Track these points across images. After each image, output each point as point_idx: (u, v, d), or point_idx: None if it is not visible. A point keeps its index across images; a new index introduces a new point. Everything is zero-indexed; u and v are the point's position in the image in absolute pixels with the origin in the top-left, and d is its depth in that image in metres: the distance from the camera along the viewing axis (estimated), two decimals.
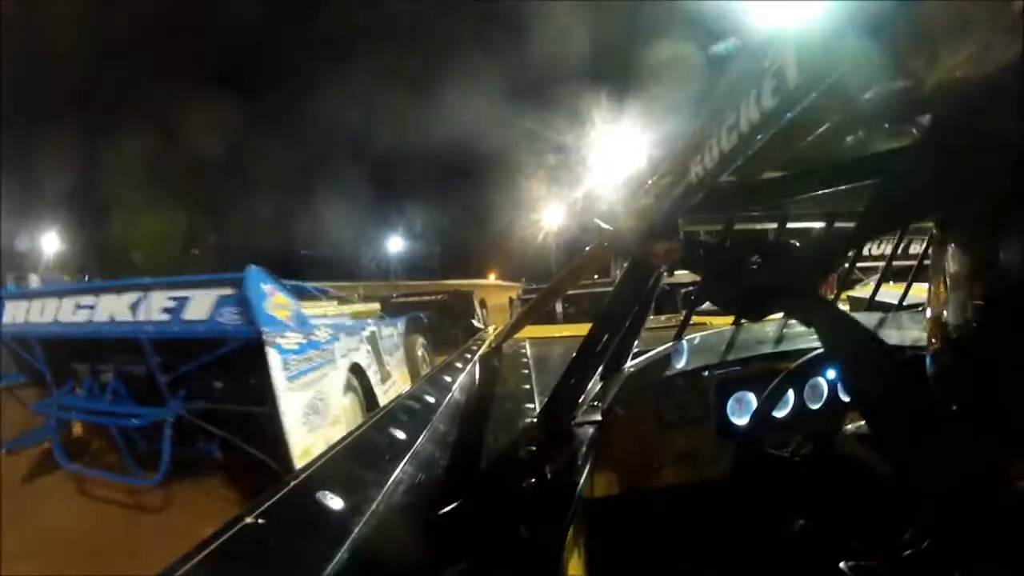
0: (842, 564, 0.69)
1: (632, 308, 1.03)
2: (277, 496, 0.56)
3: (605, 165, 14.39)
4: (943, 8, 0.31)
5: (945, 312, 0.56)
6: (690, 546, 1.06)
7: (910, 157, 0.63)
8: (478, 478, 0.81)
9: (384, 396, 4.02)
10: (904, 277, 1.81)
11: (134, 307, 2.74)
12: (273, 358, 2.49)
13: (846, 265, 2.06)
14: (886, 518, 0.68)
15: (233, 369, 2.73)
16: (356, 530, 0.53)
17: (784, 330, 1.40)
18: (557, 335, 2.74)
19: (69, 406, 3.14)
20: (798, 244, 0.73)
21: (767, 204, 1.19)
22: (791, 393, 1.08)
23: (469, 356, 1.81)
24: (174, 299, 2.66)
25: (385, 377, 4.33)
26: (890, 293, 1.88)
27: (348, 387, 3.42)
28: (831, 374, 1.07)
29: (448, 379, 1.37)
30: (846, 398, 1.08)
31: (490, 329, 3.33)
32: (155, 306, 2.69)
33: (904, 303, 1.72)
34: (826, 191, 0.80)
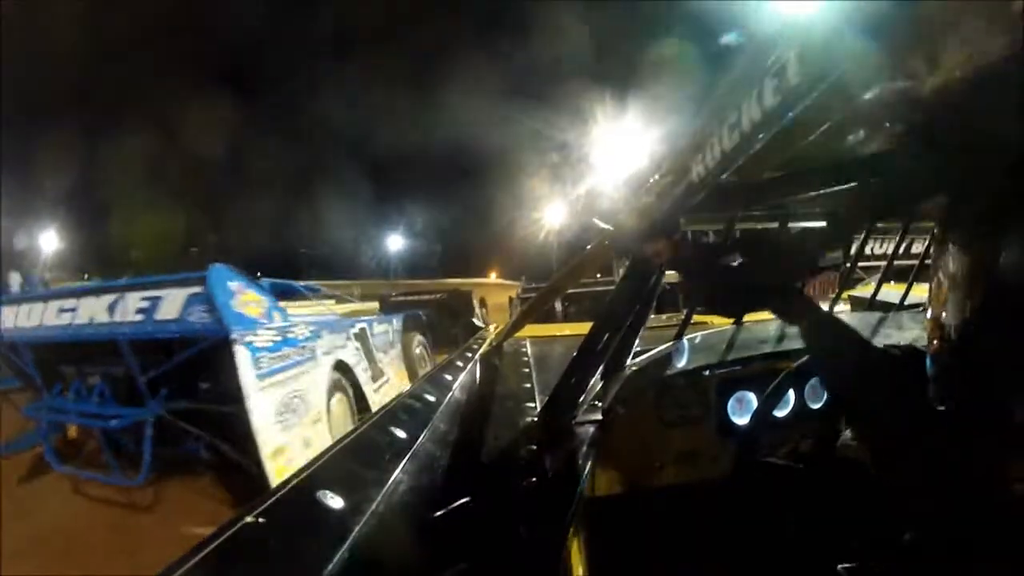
0: (841, 564, 0.69)
1: (633, 307, 1.03)
2: (277, 495, 0.56)
3: (608, 163, 14.36)
4: (942, 8, 0.31)
5: (945, 312, 0.56)
6: (691, 545, 1.06)
7: (909, 157, 0.63)
8: (479, 477, 0.81)
9: (376, 394, 4.00)
10: (908, 276, 1.81)
11: (111, 309, 2.75)
12: (241, 356, 2.47)
13: (847, 264, 2.06)
14: (886, 518, 0.68)
15: (208, 368, 2.73)
16: (356, 530, 0.53)
17: (785, 329, 1.40)
18: (558, 334, 2.74)
19: (58, 409, 3.15)
20: (781, 242, 0.73)
21: (768, 203, 1.19)
22: (792, 393, 1.08)
23: (470, 355, 1.81)
24: (147, 299, 2.67)
25: (377, 375, 4.29)
26: (891, 292, 1.88)
27: (334, 385, 3.40)
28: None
29: (448, 378, 1.37)
30: (831, 397, 1.08)
31: (491, 328, 3.33)
32: (130, 307, 2.70)
33: (905, 303, 1.72)
34: (826, 191, 0.80)
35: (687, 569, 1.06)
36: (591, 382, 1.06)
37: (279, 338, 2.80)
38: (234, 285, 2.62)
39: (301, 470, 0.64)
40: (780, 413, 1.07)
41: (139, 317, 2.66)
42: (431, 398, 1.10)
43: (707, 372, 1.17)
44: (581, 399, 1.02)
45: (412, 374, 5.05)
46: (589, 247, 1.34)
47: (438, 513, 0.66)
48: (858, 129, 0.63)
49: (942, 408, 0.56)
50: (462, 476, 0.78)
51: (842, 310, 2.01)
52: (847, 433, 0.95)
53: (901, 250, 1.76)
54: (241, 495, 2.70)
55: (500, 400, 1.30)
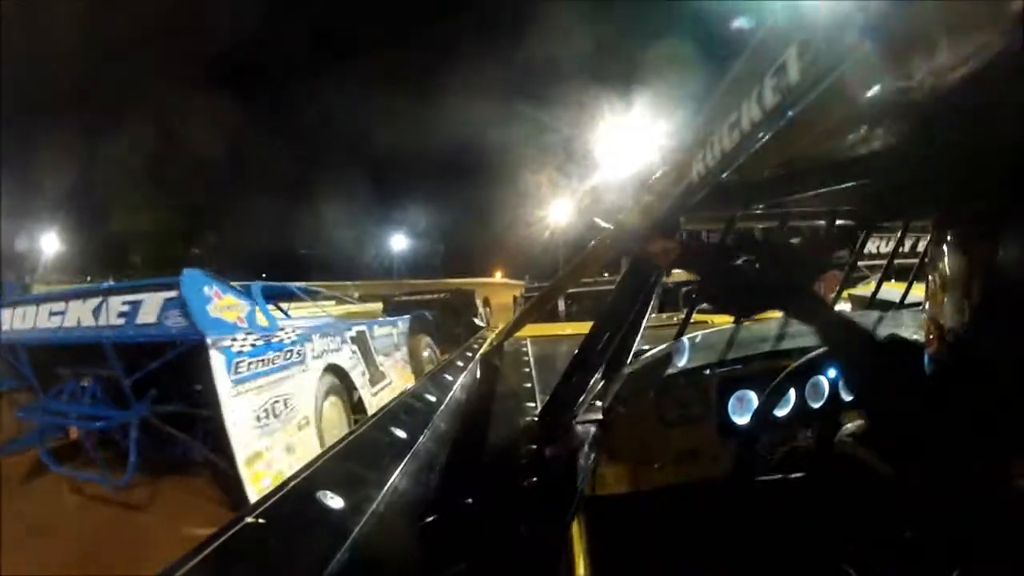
0: (842, 564, 0.69)
1: (633, 307, 1.03)
2: (278, 495, 0.56)
3: (613, 161, 14.36)
4: (942, 8, 0.31)
5: (943, 312, 0.56)
6: (691, 545, 1.06)
7: (909, 157, 0.63)
8: (479, 477, 0.81)
9: (375, 398, 3.97)
10: (910, 275, 1.81)
11: (96, 312, 2.77)
12: (216, 361, 2.47)
13: (848, 263, 2.05)
14: (886, 518, 0.68)
15: (189, 372, 2.74)
16: (356, 529, 0.53)
17: (785, 328, 1.40)
18: (558, 334, 2.74)
19: (52, 410, 3.17)
20: (794, 242, 0.73)
21: (768, 202, 1.19)
22: (792, 392, 1.08)
23: (470, 355, 1.82)
24: (128, 303, 2.68)
25: (377, 378, 4.25)
26: (892, 291, 1.88)
27: (327, 389, 3.39)
28: (832, 373, 1.07)
29: (449, 378, 1.37)
30: (847, 397, 1.08)
31: (495, 327, 3.33)
32: (113, 311, 2.71)
33: (905, 302, 1.72)
34: (826, 190, 0.80)
35: (687, 569, 1.06)
36: (591, 382, 1.05)
37: (261, 342, 2.80)
38: (209, 290, 2.62)
39: (301, 470, 0.64)
40: (781, 412, 1.07)
41: (120, 321, 2.68)
42: (431, 398, 1.10)
43: (707, 371, 1.17)
44: (582, 398, 1.02)
45: (419, 377, 4.99)
46: (589, 246, 1.34)
47: (438, 513, 0.66)
48: (858, 129, 0.62)
49: (943, 407, 0.56)
50: (462, 476, 0.78)
51: (842, 309, 2.01)
52: (845, 428, 0.95)
53: (902, 249, 1.76)
54: (226, 497, 2.71)
55: (500, 400, 1.30)
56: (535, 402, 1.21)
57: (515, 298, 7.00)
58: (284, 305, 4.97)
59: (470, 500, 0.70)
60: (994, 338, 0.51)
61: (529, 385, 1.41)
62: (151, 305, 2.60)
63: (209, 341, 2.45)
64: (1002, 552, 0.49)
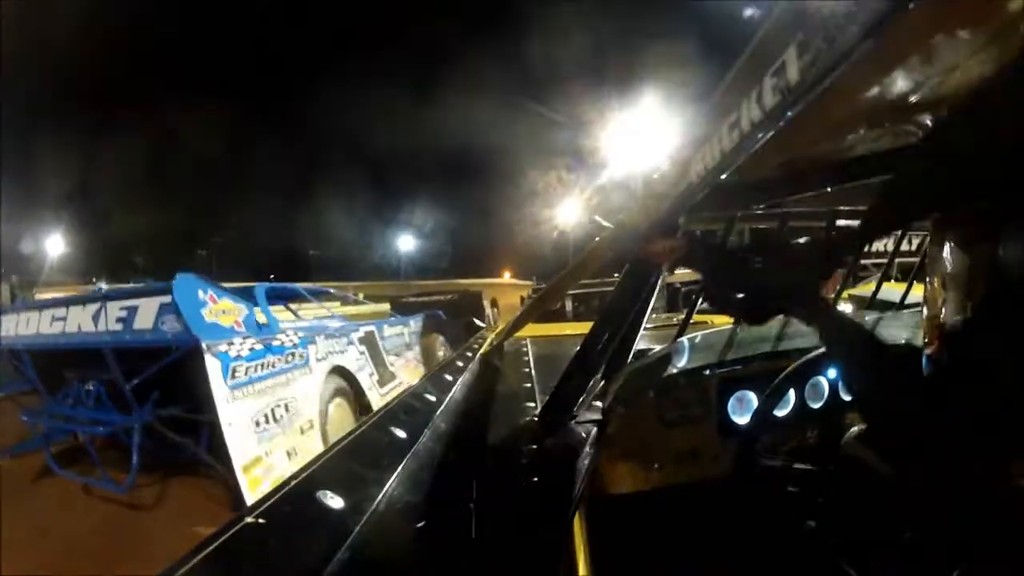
0: (842, 564, 0.69)
1: (633, 307, 1.03)
2: (278, 495, 0.56)
3: (622, 159, 14.35)
4: (943, 8, 0.31)
5: (942, 313, 0.56)
6: (691, 545, 1.06)
7: (910, 157, 0.63)
8: (479, 477, 0.81)
9: (384, 400, 3.93)
10: (910, 275, 1.81)
11: (95, 317, 2.77)
12: (212, 366, 2.45)
13: (848, 264, 2.05)
14: (886, 518, 0.68)
15: (187, 377, 2.73)
16: (356, 529, 0.53)
17: (785, 328, 1.40)
18: (558, 334, 2.74)
19: (56, 414, 3.17)
20: (800, 243, 0.73)
21: (769, 202, 1.19)
22: (792, 392, 1.08)
23: (471, 355, 1.82)
24: (126, 309, 2.68)
25: (386, 379, 4.23)
26: (892, 292, 1.88)
27: (332, 391, 3.38)
28: (832, 373, 1.07)
29: (449, 378, 1.37)
30: (847, 397, 1.08)
31: (496, 327, 3.33)
32: (112, 316, 2.71)
33: (905, 302, 1.72)
34: (827, 190, 0.80)
35: (687, 569, 1.06)
36: (591, 382, 1.05)
37: (260, 346, 2.78)
38: (204, 294, 2.61)
39: (301, 470, 0.64)
40: (780, 412, 1.07)
41: (119, 326, 2.68)
42: (431, 398, 1.10)
43: (707, 371, 1.17)
44: (581, 399, 1.02)
45: None
46: (590, 247, 1.34)
47: (438, 513, 0.66)
48: (858, 129, 0.62)
49: (943, 407, 0.56)
50: (462, 476, 0.78)
51: (842, 310, 2.01)
52: (845, 428, 0.95)
53: (903, 248, 1.76)
54: (227, 501, 2.71)
55: (500, 400, 1.30)
56: (535, 402, 1.21)
57: (522, 299, 6.99)
58: (293, 307, 4.97)
59: (470, 500, 0.70)
60: (994, 338, 0.51)
61: (529, 385, 1.41)
62: (147, 310, 2.60)
63: (204, 346, 2.44)
64: (1002, 552, 0.48)
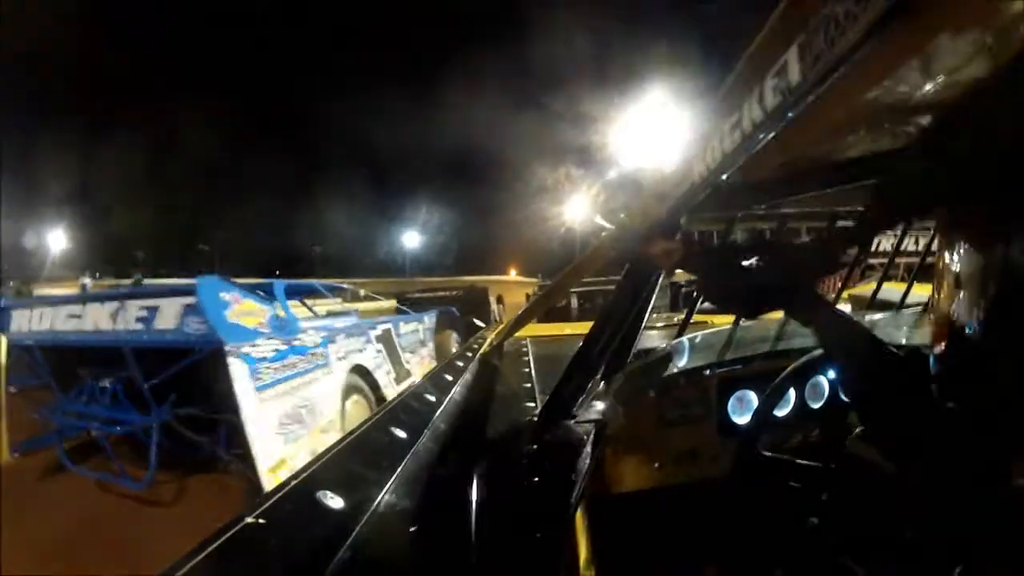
0: (842, 563, 0.69)
1: (633, 307, 1.03)
2: (278, 495, 0.56)
3: (629, 156, 14.33)
4: (943, 10, 0.31)
5: (949, 311, 0.56)
6: (691, 544, 1.06)
7: (911, 157, 0.63)
8: (479, 477, 0.81)
9: None
10: (918, 274, 1.81)
11: (114, 316, 2.77)
12: (237, 369, 2.44)
13: (851, 263, 2.05)
14: (886, 518, 0.68)
15: (209, 377, 2.71)
16: (357, 529, 0.53)
17: (785, 328, 1.40)
18: (559, 333, 2.74)
19: (70, 412, 3.16)
20: (797, 243, 0.72)
21: (769, 203, 1.19)
22: (792, 392, 1.08)
23: (470, 355, 1.82)
24: (147, 308, 2.67)
25: (402, 377, 4.22)
26: (892, 292, 1.88)
27: (351, 390, 3.36)
28: (832, 373, 1.07)
29: (449, 378, 1.37)
30: (847, 397, 1.08)
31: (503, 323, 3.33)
32: (131, 315, 2.70)
33: (906, 302, 1.72)
34: (827, 191, 0.80)
35: (688, 568, 1.06)
36: (591, 382, 1.05)
37: (283, 347, 2.76)
38: (228, 295, 2.59)
39: (301, 470, 0.64)
40: (781, 412, 1.07)
41: (139, 326, 2.67)
42: (432, 398, 1.10)
43: (708, 371, 1.17)
44: (581, 399, 1.02)
45: None
46: (591, 247, 1.34)
47: (438, 513, 0.66)
48: (858, 130, 0.62)
49: (947, 407, 0.56)
50: (462, 476, 0.78)
51: (842, 310, 2.00)
52: (845, 428, 0.95)
53: (903, 248, 1.76)
54: (248, 501, 2.70)
55: (501, 400, 1.30)
56: (535, 402, 1.21)
57: (528, 296, 7.00)
58: (308, 302, 4.95)
59: (470, 500, 0.70)
60: (999, 338, 0.51)
61: (529, 385, 1.41)
62: (169, 311, 2.59)
63: (228, 348, 2.43)
64: (1002, 552, 0.48)
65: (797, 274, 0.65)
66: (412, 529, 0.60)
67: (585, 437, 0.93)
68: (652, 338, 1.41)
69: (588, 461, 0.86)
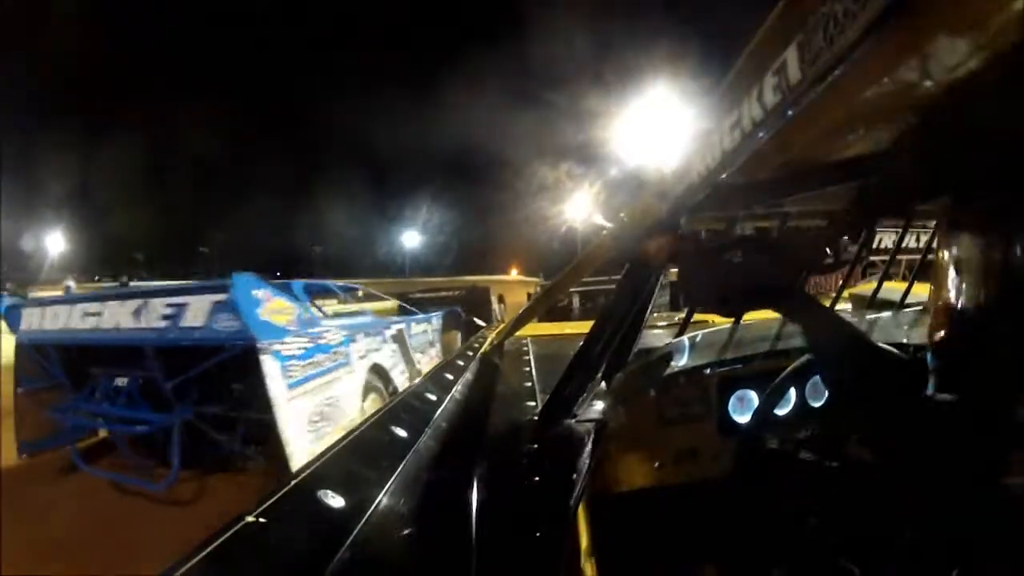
0: (842, 563, 0.69)
1: (633, 306, 1.03)
2: (279, 495, 0.56)
3: (631, 154, 14.33)
4: (943, 8, 0.31)
5: (948, 309, 0.56)
6: (692, 544, 1.06)
7: (910, 156, 0.63)
8: (479, 476, 0.81)
9: None
10: (919, 273, 1.80)
11: (136, 314, 2.75)
12: (269, 366, 2.44)
13: (852, 262, 2.05)
14: (886, 518, 0.68)
15: (236, 375, 2.72)
16: (357, 528, 0.53)
17: (785, 328, 1.40)
18: (559, 332, 2.74)
19: (84, 412, 3.14)
20: (780, 240, 0.72)
21: (768, 202, 1.19)
22: (793, 391, 1.08)
23: (470, 354, 1.82)
24: (172, 306, 2.65)
25: (414, 376, 4.27)
26: (893, 291, 1.88)
27: (369, 389, 3.38)
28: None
29: (449, 377, 1.37)
30: (831, 394, 1.08)
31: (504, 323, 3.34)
32: (155, 313, 2.68)
33: (906, 301, 1.71)
34: (826, 190, 0.80)
35: (688, 568, 1.06)
36: (592, 381, 1.05)
37: (310, 344, 2.77)
38: (260, 293, 2.58)
39: (301, 470, 0.64)
40: (781, 411, 1.07)
41: (164, 324, 2.66)
42: (432, 397, 1.11)
43: (708, 370, 1.17)
44: (581, 399, 1.02)
45: None
46: (591, 247, 1.34)
47: (439, 513, 0.66)
48: (858, 128, 0.62)
49: (944, 403, 0.56)
50: (462, 476, 0.78)
51: (842, 309, 2.01)
52: (845, 428, 0.95)
53: (904, 247, 1.76)
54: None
55: (501, 399, 1.30)
56: (536, 401, 1.21)
57: (529, 295, 7.03)
58: (320, 303, 4.97)
59: (471, 499, 0.70)
60: (997, 334, 0.51)
61: (530, 384, 1.41)
62: (198, 308, 2.58)
63: (261, 345, 2.43)
64: (1002, 552, 0.48)
65: (780, 272, 0.65)
66: (412, 528, 0.60)
67: (586, 436, 0.93)
68: (652, 337, 1.41)
69: (588, 460, 0.86)
